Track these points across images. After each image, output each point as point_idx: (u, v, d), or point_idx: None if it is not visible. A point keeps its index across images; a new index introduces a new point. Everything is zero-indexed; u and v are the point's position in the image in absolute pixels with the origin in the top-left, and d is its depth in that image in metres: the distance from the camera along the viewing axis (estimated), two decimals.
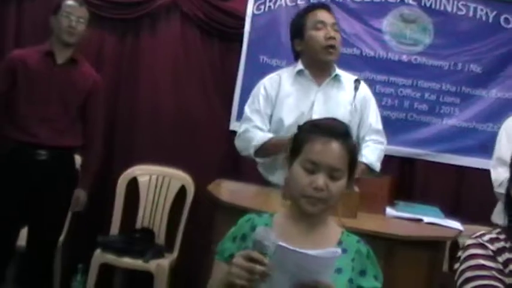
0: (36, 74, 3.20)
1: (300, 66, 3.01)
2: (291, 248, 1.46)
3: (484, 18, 3.82)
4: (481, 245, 1.65)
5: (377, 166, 2.94)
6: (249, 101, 3.07)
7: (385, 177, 2.75)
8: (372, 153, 2.94)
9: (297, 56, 3.07)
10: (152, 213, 3.82)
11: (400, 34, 3.86)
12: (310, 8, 3.06)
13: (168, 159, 3.85)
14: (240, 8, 3.92)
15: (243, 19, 3.91)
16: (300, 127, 1.76)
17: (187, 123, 3.95)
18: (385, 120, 3.61)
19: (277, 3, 3.92)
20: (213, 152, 3.95)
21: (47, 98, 3.19)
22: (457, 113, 3.83)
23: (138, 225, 3.80)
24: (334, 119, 1.79)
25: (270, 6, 3.92)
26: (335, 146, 1.66)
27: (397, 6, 3.86)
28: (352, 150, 1.71)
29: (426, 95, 3.84)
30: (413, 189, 3.73)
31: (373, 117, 3.02)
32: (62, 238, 3.50)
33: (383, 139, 3.04)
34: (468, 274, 1.62)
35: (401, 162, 3.83)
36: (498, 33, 3.80)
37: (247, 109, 3.05)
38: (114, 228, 3.75)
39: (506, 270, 1.60)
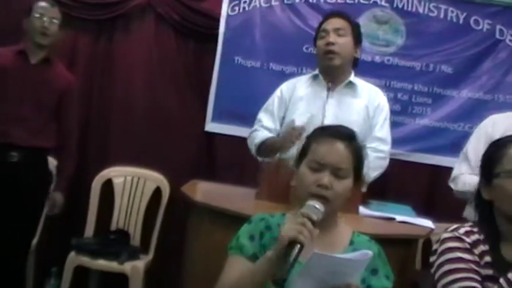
0: (10, 73, 3.17)
1: (316, 71, 3.06)
2: (328, 254, 1.52)
3: (454, 19, 3.87)
4: (458, 238, 1.72)
5: (368, 175, 2.85)
6: (266, 102, 3.11)
7: None
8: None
9: None
10: (127, 215, 3.81)
11: (373, 35, 3.90)
12: (323, 19, 3.09)
13: (143, 161, 3.84)
14: (215, 8, 3.93)
15: (217, 20, 3.92)
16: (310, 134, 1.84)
17: (162, 124, 3.95)
18: None
19: (252, 4, 3.94)
20: (189, 153, 3.96)
21: (20, 97, 3.16)
22: (429, 113, 3.88)
23: (113, 227, 3.78)
24: (341, 125, 1.85)
25: (244, 7, 3.94)
26: (340, 147, 1.72)
27: (369, 7, 3.90)
28: (358, 152, 1.76)
29: (399, 96, 3.89)
30: (387, 188, 3.75)
31: (379, 125, 3.00)
32: (35, 241, 3.47)
33: (384, 147, 3.00)
34: (447, 267, 1.69)
35: None
36: (468, 34, 3.86)
37: (261, 110, 3.10)
38: (89, 230, 3.73)
39: (482, 262, 1.68)
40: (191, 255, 2.64)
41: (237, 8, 3.93)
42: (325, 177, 1.68)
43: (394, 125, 3.81)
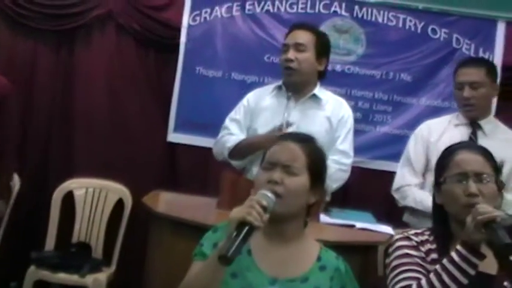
0: None
1: (280, 82, 3.06)
2: None
3: (413, 28, 3.95)
4: (407, 238, 1.82)
5: (330, 186, 2.88)
6: (233, 111, 3.11)
7: None
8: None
9: None
10: (89, 227, 3.76)
11: (334, 44, 3.88)
12: (289, 30, 3.09)
13: (105, 172, 3.80)
14: (176, 19, 3.93)
15: (179, 30, 3.92)
16: None
17: (124, 135, 3.93)
18: None
19: (213, 14, 3.95)
20: (151, 163, 3.94)
21: None
22: (390, 121, 3.94)
23: (75, 239, 3.73)
24: (299, 132, 1.87)
25: (205, 18, 3.94)
26: (291, 145, 1.74)
27: (330, 17, 3.95)
28: (313, 153, 1.76)
29: (360, 104, 3.94)
30: (348, 195, 3.79)
31: (342, 138, 3.02)
32: None
33: (346, 160, 3.01)
34: (394, 263, 1.79)
35: None
36: (426, 43, 3.93)
37: (227, 118, 3.09)
38: (49, 243, 3.66)
39: (428, 259, 1.77)
40: (153, 267, 2.62)
41: (198, 18, 3.94)
42: (276, 173, 1.69)
43: (355, 133, 3.84)
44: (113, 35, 3.95)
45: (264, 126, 2.96)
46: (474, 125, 3.07)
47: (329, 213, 2.85)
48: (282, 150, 1.74)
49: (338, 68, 3.93)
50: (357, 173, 3.88)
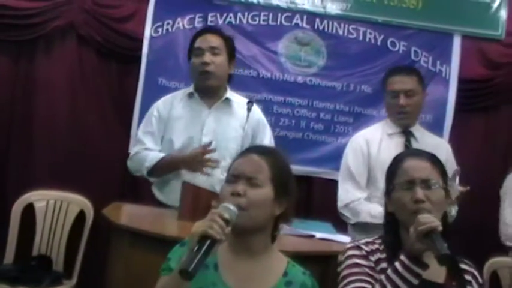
0: None
1: (191, 89, 3.05)
2: None
3: (372, 41, 4.03)
4: (357, 247, 1.84)
5: None
6: (143, 122, 3.09)
7: None
8: None
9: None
10: (50, 240, 3.69)
11: (295, 56, 3.99)
12: (196, 34, 3.09)
13: (66, 184, 3.74)
14: (138, 30, 3.93)
15: (141, 41, 3.92)
16: None
17: (85, 147, 3.90)
18: (283, 140, 3.74)
19: (175, 25, 3.96)
20: (113, 175, 3.91)
21: None
22: (351, 132, 3.97)
23: (35, 252, 3.66)
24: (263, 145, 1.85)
25: (167, 29, 3.96)
26: (253, 157, 1.74)
27: (291, 29, 4.00)
28: (277, 166, 1.75)
29: (321, 115, 3.99)
30: (311, 206, 3.83)
31: (267, 142, 3.02)
32: None
33: None
34: (344, 272, 1.80)
35: (298, 180, 3.89)
36: (386, 55, 4.02)
37: (140, 131, 3.06)
38: (9, 256, 3.59)
39: (378, 268, 1.78)
40: (113, 279, 2.60)
41: (160, 30, 3.94)
42: (238, 186, 1.69)
43: (316, 143, 3.96)
44: (74, 46, 3.93)
45: (179, 137, 2.96)
46: (407, 133, 3.14)
47: (289, 224, 2.86)
48: (245, 162, 1.74)
49: (299, 79, 3.99)
50: (319, 183, 3.95)
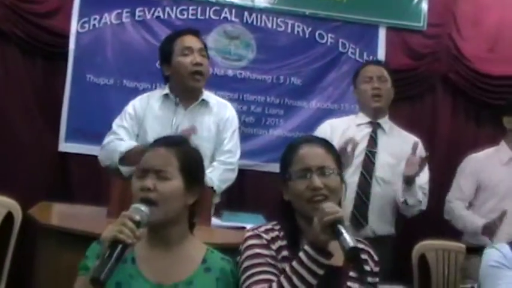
0: None
1: (166, 90, 3.03)
2: None
3: (301, 34, 4.08)
4: (257, 236, 1.78)
5: (218, 187, 2.91)
6: (118, 117, 3.03)
7: (208, 188, 2.82)
8: (213, 175, 2.91)
9: (166, 80, 3.07)
10: None
11: (225, 50, 4.00)
12: (178, 34, 3.06)
13: None
14: (64, 26, 3.84)
15: (67, 37, 3.83)
16: None
17: (11, 147, 3.79)
18: None
19: (102, 21, 3.89)
20: (42, 175, 3.83)
21: None
22: (282, 124, 4.04)
23: None
24: (172, 135, 1.84)
25: (94, 24, 3.88)
26: (161, 151, 1.75)
27: (220, 23, 4.01)
28: (185, 155, 1.76)
29: (252, 108, 4.02)
30: (244, 198, 3.85)
31: (228, 139, 3.03)
32: None
33: (232, 159, 3.02)
34: (246, 263, 1.74)
35: None
36: (314, 47, 4.08)
37: (114, 124, 3.01)
38: None
39: (279, 257, 1.75)
40: (40, 281, 2.54)
41: (86, 25, 3.87)
42: (147, 180, 1.69)
43: (248, 136, 3.97)
44: None
45: (154, 137, 2.93)
46: (374, 124, 3.23)
47: (220, 216, 2.88)
48: (153, 156, 1.75)
49: (230, 73, 4.00)
50: (252, 176, 3.98)
